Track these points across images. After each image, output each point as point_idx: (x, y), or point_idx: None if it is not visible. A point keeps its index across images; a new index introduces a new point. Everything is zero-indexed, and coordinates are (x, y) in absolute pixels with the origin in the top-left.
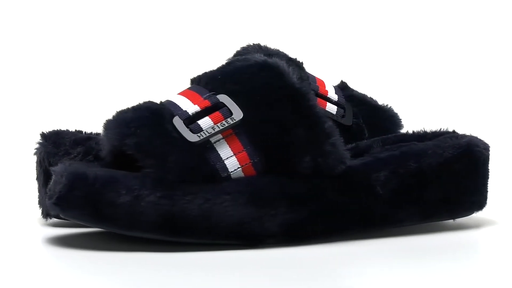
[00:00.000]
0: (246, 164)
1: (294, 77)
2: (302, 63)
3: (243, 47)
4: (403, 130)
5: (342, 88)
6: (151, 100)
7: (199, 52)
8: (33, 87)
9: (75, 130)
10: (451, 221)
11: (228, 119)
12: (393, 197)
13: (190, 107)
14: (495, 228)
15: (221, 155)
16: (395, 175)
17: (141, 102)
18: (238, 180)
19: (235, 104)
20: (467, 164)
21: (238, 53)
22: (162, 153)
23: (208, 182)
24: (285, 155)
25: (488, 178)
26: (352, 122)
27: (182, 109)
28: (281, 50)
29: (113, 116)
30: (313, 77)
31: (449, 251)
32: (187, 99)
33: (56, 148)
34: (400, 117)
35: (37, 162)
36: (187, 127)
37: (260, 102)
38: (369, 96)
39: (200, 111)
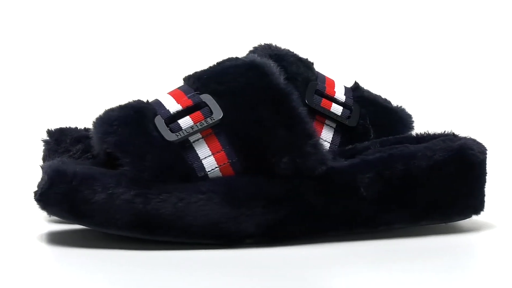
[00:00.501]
0: (224, 164)
1: (280, 78)
2: (312, 63)
3: (254, 47)
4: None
5: (354, 89)
6: (141, 99)
7: (207, 52)
8: (46, 85)
9: (84, 127)
10: (446, 224)
11: (208, 119)
12: (378, 199)
13: (173, 106)
14: (491, 231)
15: (199, 155)
16: (380, 177)
17: (131, 100)
18: (214, 179)
19: (216, 104)
20: (460, 167)
21: (250, 53)
22: (140, 151)
23: (184, 182)
24: (263, 155)
25: (484, 181)
26: (357, 124)
27: (165, 108)
28: (291, 50)
29: (100, 115)
30: (323, 77)
31: (439, 255)
32: (173, 98)
33: (57, 145)
34: (412, 119)
35: (42, 158)
36: (168, 126)
37: (242, 102)
38: (383, 97)
39: (181, 110)
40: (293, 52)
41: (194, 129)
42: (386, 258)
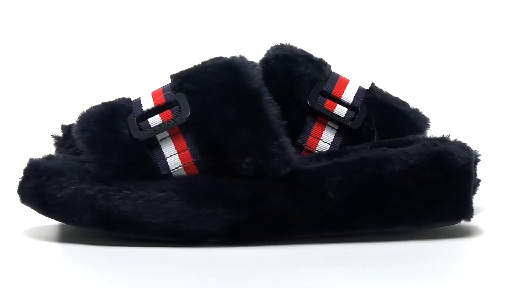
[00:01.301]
0: (188, 163)
1: (253, 79)
2: (324, 64)
3: (271, 47)
4: None
5: (368, 90)
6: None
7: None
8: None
9: None
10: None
11: (176, 118)
12: (348, 202)
13: (147, 105)
14: (477, 237)
15: (164, 153)
16: (350, 180)
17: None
18: (176, 178)
19: (186, 103)
20: (438, 172)
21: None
22: (106, 148)
23: (146, 179)
24: (227, 155)
25: (469, 187)
26: (361, 126)
27: (141, 106)
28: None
29: (83, 111)
30: (336, 78)
31: (410, 259)
32: (151, 97)
33: (64, 140)
34: (428, 123)
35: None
36: (138, 124)
37: (210, 101)
38: (400, 99)
39: (153, 108)
40: (306, 52)
41: (161, 128)
42: (361, 260)
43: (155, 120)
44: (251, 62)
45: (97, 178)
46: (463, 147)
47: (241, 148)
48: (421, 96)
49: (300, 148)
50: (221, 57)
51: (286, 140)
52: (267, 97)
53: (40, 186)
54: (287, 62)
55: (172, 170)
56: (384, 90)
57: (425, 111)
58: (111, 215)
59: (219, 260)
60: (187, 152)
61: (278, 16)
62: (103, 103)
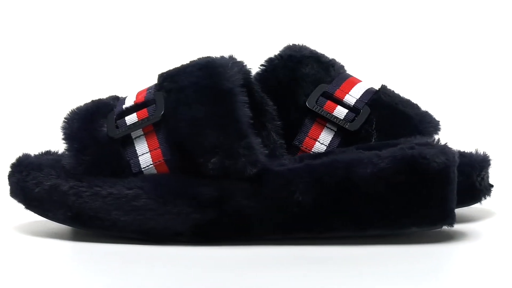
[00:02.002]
0: (159, 161)
1: (229, 79)
2: (332, 65)
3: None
4: None
5: (376, 91)
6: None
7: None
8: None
9: None
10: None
11: (150, 116)
12: (316, 205)
13: (128, 103)
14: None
15: (137, 151)
16: (318, 183)
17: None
18: (145, 176)
19: (162, 101)
20: (411, 176)
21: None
22: (82, 145)
23: (117, 177)
24: (194, 154)
25: (449, 191)
26: (358, 128)
27: (123, 104)
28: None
29: (72, 108)
30: (343, 79)
31: (375, 262)
32: (135, 95)
33: None
34: (433, 127)
35: None
36: (115, 122)
37: (183, 100)
38: (410, 102)
39: (131, 107)
40: (315, 53)
41: (135, 126)
42: (354, 262)
43: (131, 118)
44: (233, 62)
45: (71, 174)
46: (441, 152)
47: (207, 148)
48: (443, 97)
49: (296, 149)
50: (206, 57)
51: (254, 141)
52: (242, 97)
53: (21, 181)
54: (290, 62)
55: (143, 168)
56: (396, 91)
57: (443, 114)
58: (82, 211)
59: (217, 259)
60: (159, 150)
61: (302, 16)
62: (92, 101)
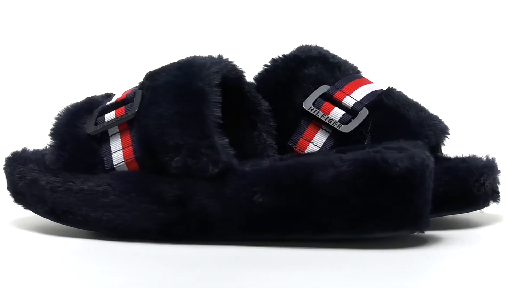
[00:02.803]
0: (130, 159)
1: (205, 78)
2: (339, 66)
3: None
4: None
5: (380, 94)
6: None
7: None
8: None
9: None
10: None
11: (125, 114)
12: (275, 207)
13: (112, 100)
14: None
15: (111, 148)
16: (278, 185)
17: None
18: (115, 174)
19: (139, 99)
20: (373, 180)
21: None
22: (62, 140)
23: (90, 173)
24: (159, 153)
25: (411, 197)
26: (352, 130)
27: (108, 101)
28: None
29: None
30: (347, 80)
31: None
32: (121, 93)
33: None
34: (428, 130)
35: None
36: (96, 119)
37: (155, 99)
38: (418, 105)
39: (111, 104)
40: (324, 54)
41: (111, 123)
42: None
43: (110, 116)
44: (212, 62)
45: (49, 169)
46: (408, 156)
47: (172, 146)
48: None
49: (290, 150)
50: (190, 56)
51: (218, 141)
52: (214, 97)
53: (9, 175)
54: (292, 62)
55: (115, 165)
56: (405, 94)
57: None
58: (57, 206)
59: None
60: (130, 148)
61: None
62: (87, 98)
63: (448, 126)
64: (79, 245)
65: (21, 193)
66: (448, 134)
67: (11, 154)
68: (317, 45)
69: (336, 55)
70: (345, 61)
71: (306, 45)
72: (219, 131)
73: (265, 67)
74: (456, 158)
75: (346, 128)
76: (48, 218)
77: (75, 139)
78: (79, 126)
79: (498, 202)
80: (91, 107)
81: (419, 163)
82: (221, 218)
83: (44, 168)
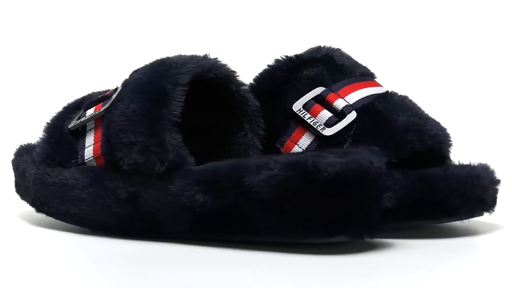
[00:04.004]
0: (98, 154)
1: (171, 76)
2: (343, 68)
3: None
4: None
5: (375, 98)
6: None
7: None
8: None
9: None
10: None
11: (101, 110)
12: (214, 207)
13: (99, 97)
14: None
15: (85, 143)
16: (217, 184)
17: None
18: (82, 168)
19: (114, 96)
20: (303, 184)
21: None
22: (49, 134)
23: (65, 167)
24: (116, 149)
25: (342, 204)
26: (334, 134)
27: (97, 97)
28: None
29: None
30: (346, 83)
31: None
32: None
33: None
34: (411, 137)
35: None
36: (80, 114)
37: (123, 96)
38: (415, 111)
39: (95, 100)
40: (330, 55)
41: (88, 119)
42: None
43: (90, 111)
44: (185, 61)
45: (35, 162)
46: (343, 162)
47: (126, 143)
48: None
49: (278, 151)
50: (171, 56)
51: (169, 139)
52: (177, 96)
53: (12, 166)
54: (292, 63)
55: (86, 160)
56: (410, 98)
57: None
58: (37, 198)
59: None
60: (99, 144)
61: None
62: (87, 94)
63: (446, 132)
64: (69, 239)
65: (17, 183)
66: (440, 140)
67: (20, 146)
68: (338, 47)
69: (348, 58)
70: (355, 64)
71: (320, 46)
72: (174, 129)
73: (268, 67)
74: (449, 164)
75: (328, 132)
76: (37, 212)
77: (59, 133)
78: (67, 121)
79: (490, 213)
80: (85, 103)
81: (355, 169)
82: (168, 216)
83: (32, 160)
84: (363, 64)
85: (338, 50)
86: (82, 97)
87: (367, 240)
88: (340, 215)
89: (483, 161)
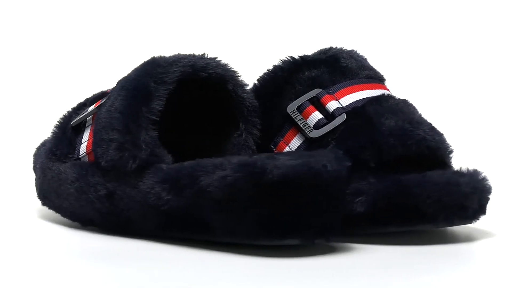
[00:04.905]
0: (89, 150)
1: (156, 76)
2: (344, 70)
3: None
4: None
5: (368, 101)
6: None
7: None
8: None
9: None
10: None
11: (98, 107)
12: (178, 206)
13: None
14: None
15: (82, 139)
16: (179, 183)
17: None
18: (72, 163)
19: (109, 93)
20: (251, 186)
21: None
22: (57, 130)
23: (62, 162)
24: (97, 146)
25: (293, 205)
26: (319, 136)
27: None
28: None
29: None
30: (346, 84)
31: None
32: None
33: None
34: (392, 141)
35: None
36: (83, 111)
37: (112, 95)
38: (409, 115)
39: (97, 96)
40: (336, 57)
41: (86, 115)
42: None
43: (90, 108)
44: (173, 61)
45: (41, 155)
46: (292, 164)
47: (105, 140)
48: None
49: (272, 152)
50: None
51: (144, 137)
52: (161, 94)
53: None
54: (294, 64)
55: (80, 155)
56: (410, 102)
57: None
58: (40, 191)
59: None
60: (90, 140)
61: None
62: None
63: (440, 138)
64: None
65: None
66: (429, 145)
67: (43, 140)
68: (353, 48)
69: (357, 60)
70: (361, 66)
71: (331, 47)
72: (151, 127)
73: (271, 68)
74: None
75: (314, 134)
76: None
77: (64, 129)
78: (73, 117)
79: (473, 221)
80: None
81: (304, 172)
82: (139, 214)
83: (41, 154)
84: (379, 66)
85: (348, 51)
86: (92, 95)
87: (321, 243)
88: (289, 218)
89: (489, 166)
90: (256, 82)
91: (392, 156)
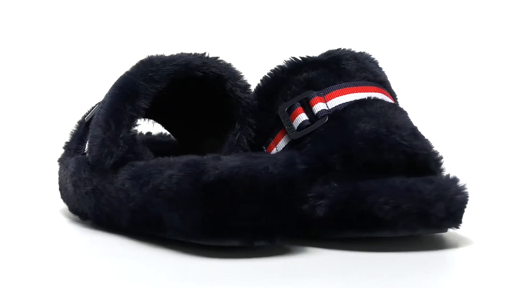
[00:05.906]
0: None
1: (146, 75)
2: (340, 72)
3: None
4: None
5: (351, 104)
6: None
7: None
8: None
9: None
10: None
11: None
12: (141, 204)
13: None
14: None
15: (89, 135)
16: (140, 182)
17: None
18: (75, 158)
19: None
20: (192, 186)
21: None
22: (78, 124)
23: (72, 156)
24: (88, 142)
25: (231, 207)
26: (301, 137)
27: None
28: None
29: None
30: (338, 87)
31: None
32: None
33: None
34: (363, 146)
35: None
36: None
37: (107, 93)
38: (389, 119)
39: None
40: (337, 58)
41: (93, 110)
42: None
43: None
44: (166, 60)
45: (64, 150)
46: (228, 166)
47: (92, 137)
48: None
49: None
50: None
51: (124, 134)
52: (148, 92)
53: None
54: (293, 65)
55: (85, 151)
56: (385, 106)
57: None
58: (58, 184)
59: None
60: None
61: None
62: None
63: (423, 145)
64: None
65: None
66: (405, 150)
67: None
68: (363, 50)
69: (359, 62)
70: (361, 68)
71: (339, 48)
72: (133, 125)
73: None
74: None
75: (295, 135)
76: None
77: (81, 124)
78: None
79: (442, 229)
80: None
81: (242, 174)
82: (113, 210)
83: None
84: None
85: (355, 53)
86: None
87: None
88: (228, 219)
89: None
90: (259, 82)
91: (362, 160)
